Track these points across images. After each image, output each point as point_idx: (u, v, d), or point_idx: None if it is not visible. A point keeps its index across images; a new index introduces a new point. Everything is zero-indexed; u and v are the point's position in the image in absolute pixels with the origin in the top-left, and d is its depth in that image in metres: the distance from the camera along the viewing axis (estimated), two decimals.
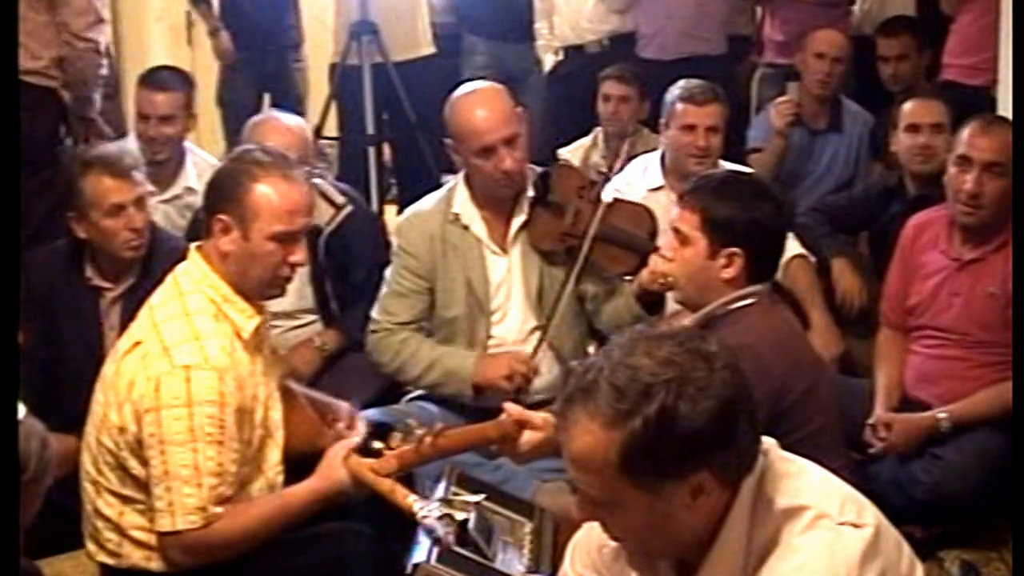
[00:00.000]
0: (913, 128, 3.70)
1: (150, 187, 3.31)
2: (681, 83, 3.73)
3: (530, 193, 3.10)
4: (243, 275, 2.37)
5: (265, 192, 2.34)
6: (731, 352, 1.58)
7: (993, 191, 3.03)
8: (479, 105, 3.00)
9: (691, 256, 2.44)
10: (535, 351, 3.06)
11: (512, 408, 2.35)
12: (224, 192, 2.38)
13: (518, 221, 3.10)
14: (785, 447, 1.69)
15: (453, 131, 3.05)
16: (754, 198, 2.43)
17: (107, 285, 3.18)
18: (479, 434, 2.37)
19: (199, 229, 2.53)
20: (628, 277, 3.10)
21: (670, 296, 2.92)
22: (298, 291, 3.43)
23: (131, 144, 3.97)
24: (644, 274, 2.97)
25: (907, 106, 3.77)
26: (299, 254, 2.40)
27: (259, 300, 2.43)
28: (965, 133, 3.08)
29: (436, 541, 2.19)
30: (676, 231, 2.47)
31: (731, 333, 2.37)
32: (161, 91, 3.99)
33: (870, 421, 3.03)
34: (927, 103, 3.77)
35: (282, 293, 2.48)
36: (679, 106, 3.65)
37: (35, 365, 3.09)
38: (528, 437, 2.28)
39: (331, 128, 5.03)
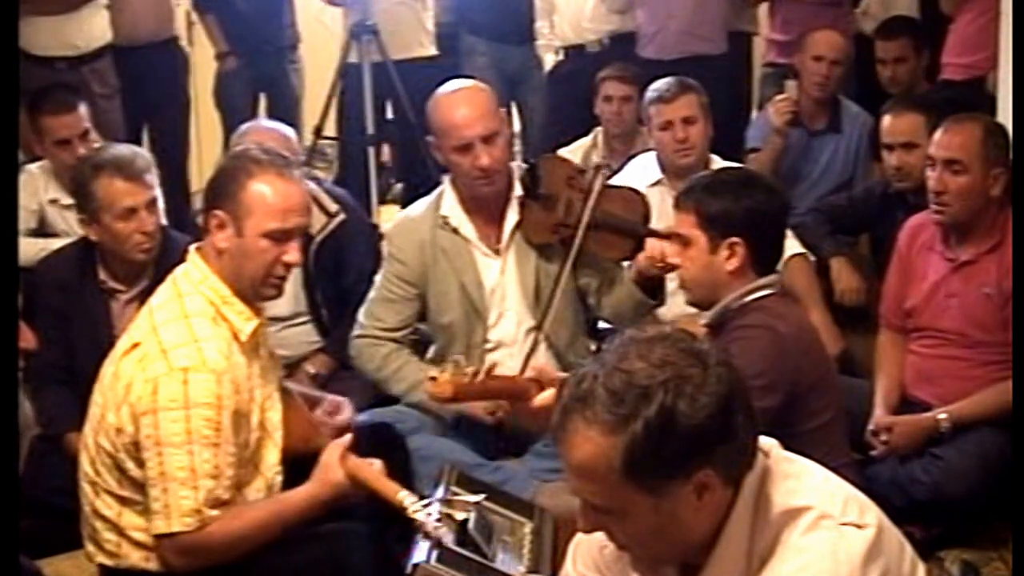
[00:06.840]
0: (887, 147, 3.68)
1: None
2: (652, 87, 3.84)
3: (518, 192, 3.10)
4: (238, 273, 2.36)
5: (260, 189, 2.33)
6: (729, 350, 1.59)
7: (955, 188, 3.02)
8: (458, 101, 3.01)
9: (695, 255, 2.46)
10: (526, 360, 3.02)
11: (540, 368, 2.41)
12: (221, 189, 2.37)
13: (510, 223, 3.09)
14: (798, 435, 1.70)
15: (433, 128, 3.05)
16: (745, 187, 2.47)
17: (120, 287, 3.18)
18: (518, 384, 2.42)
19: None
20: (625, 262, 3.09)
21: (669, 279, 2.94)
22: (294, 295, 3.43)
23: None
24: (641, 258, 2.96)
25: (884, 121, 3.71)
26: (293, 253, 2.37)
27: (255, 300, 2.41)
28: (936, 134, 3.09)
29: (426, 535, 2.20)
30: (677, 235, 2.48)
31: (750, 320, 2.39)
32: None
33: (871, 426, 3.03)
34: (899, 119, 3.67)
35: (278, 294, 2.44)
36: (652, 109, 3.79)
37: (49, 367, 3.10)
38: (542, 398, 2.26)
39: (331, 128, 5.02)
